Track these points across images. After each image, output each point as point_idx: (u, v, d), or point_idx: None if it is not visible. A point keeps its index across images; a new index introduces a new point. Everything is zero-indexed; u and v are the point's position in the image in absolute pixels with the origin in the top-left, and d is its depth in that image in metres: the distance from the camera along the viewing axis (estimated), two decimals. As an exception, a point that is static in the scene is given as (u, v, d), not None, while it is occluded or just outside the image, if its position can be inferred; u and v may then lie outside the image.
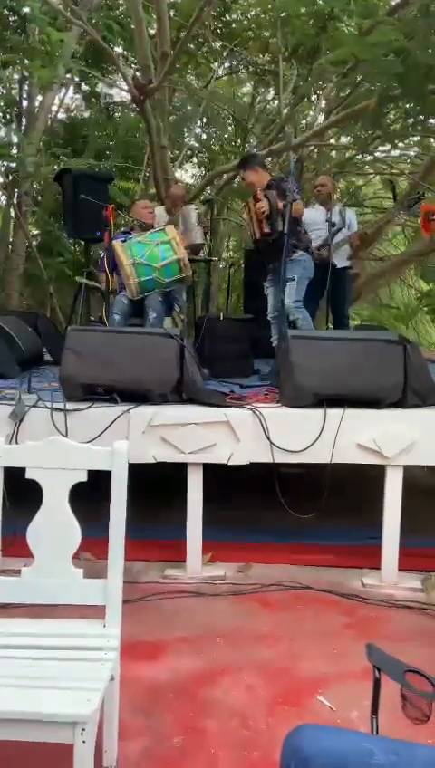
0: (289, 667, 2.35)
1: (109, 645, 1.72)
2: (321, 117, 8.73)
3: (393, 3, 6.27)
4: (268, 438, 3.00)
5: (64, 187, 5.31)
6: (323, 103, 8.73)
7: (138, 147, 9.31)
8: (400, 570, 3.04)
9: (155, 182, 7.56)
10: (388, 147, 9.20)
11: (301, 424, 3.03)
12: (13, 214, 9.03)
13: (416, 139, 8.62)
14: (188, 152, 9.83)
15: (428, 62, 5.26)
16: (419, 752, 1.10)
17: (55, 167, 7.45)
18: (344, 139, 9.14)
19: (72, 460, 1.81)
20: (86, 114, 10.13)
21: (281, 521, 3.30)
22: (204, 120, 9.21)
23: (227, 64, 8.89)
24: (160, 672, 2.30)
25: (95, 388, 3.18)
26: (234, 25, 8.18)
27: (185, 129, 9.33)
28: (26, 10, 6.64)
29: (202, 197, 8.15)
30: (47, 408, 3.01)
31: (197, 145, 10.11)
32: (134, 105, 7.06)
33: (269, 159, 7.74)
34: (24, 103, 8.76)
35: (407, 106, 7.02)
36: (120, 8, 8.37)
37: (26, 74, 7.98)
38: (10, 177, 8.31)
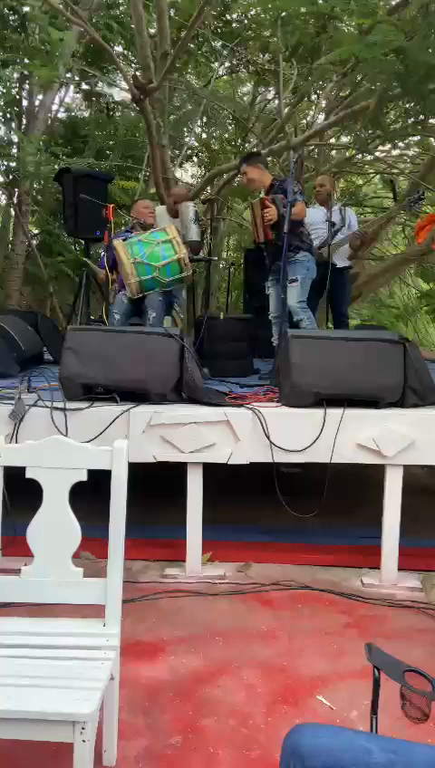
0: (289, 667, 2.36)
1: (108, 644, 1.73)
2: (321, 116, 8.73)
3: (393, 2, 6.27)
4: (268, 438, 3.00)
5: (64, 186, 5.31)
6: (323, 103, 8.73)
7: (138, 146, 9.31)
8: (399, 569, 3.04)
9: (155, 181, 7.56)
10: (388, 146, 9.20)
11: (301, 423, 3.03)
12: (13, 213, 9.04)
13: (416, 138, 8.61)
14: (189, 151, 9.82)
15: (428, 61, 5.25)
16: (417, 751, 1.10)
17: (55, 166, 7.44)
18: (344, 139, 9.14)
19: (72, 460, 1.81)
20: (86, 113, 10.14)
21: (281, 520, 3.30)
22: (204, 119, 9.19)
23: (227, 64, 8.88)
24: (160, 671, 2.31)
25: (95, 388, 3.18)
26: (234, 25, 8.17)
27: (185, 129, 9.33)
28: (26, 9, 6.65)
29: (202, 197, 8.15)
30: (47, 407, 3.01)
31: (197, 144, 10.11)
32: (134, 104, 7.05)
33: (269, 159, 7.74)
34: (25, 102, 8.77)
35: (407, 105, 7.01)
36: (121, 7, 8.36)
37: (26, 73, 7.98)
38: (10, 177, 8.31)
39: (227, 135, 9.95)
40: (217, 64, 8.58)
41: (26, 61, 6.99)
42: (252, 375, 4.41)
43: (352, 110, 6.99)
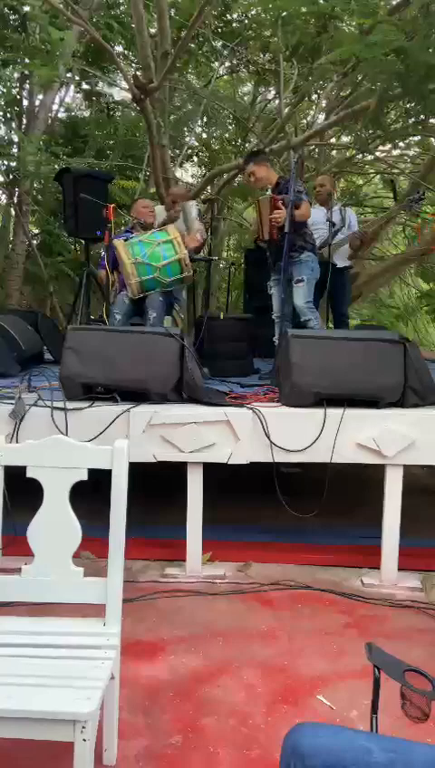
0: (289, 666, 2.36)
1: (109, 644, 1.73)
2: (321, 116, 8.73)
3: (394, 2, 6.27)
4: (268, 438, 3.00)
5: (65, 186, 5.30)
6: (323, 103, 8.73)
7: (138, 146, 9.31)
8: (399, 569, 3.04)
9: (155, 181, 7.56)
10: (388, 146, 9.20)
11: (301, 423, 3.03)
12: (13, 213, 9.04)
13: (416, 138, 8.62)
14: (189, 151, 9.82)
15: (428, 61, 5.25)
16: (417, 750, 1.10)
17: (56, 166, 7.44)
18: (345, 139, 9.14)
19: (72, 459, 1.81)
20: (86, 113, 10.14)
21: (281, 520, 3.31)
22: (204, 119, 9.19)
23: (227, 63, 8.88)
24: (160, 671, 2.31)
25: (95, 388, 3.19)
26: (235, 24, 8.17)
27: (185, 129, 9.33)
28: (27, 9, 6.65)
29: (202, 197, 8.15)
30: (47, 407, 3.01)
31: (197, 144, 10.11)
32: (134, 104, 7.05)
33: (270, 159, 7.73)
34: (25, 102, 8.77)
35: (407, 105, 7.01)
36: (121, 7, 8.36)
37: (27, 73, 7.98)
38: (10, 177, 8.31)
39: (227, 135, 9.96)
40: (217, 64, 8.58)
41: (27, 60, 6.99)
42: (252, 375, 4.41)
43: (352, 109, 6.99)
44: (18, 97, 8.54)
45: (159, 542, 3.31)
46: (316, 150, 9.47)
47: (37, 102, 8.72)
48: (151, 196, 8.14)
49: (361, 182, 10.98)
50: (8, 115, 8.24)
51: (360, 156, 9.49)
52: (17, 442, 2.86)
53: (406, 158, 9.46)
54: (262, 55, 8.50)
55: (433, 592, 2.96)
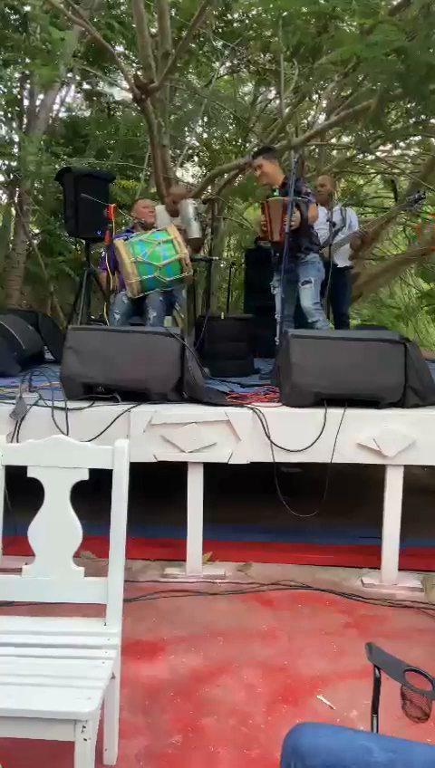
0: (289, 666, 2.36)
1: (109, 643, 1.73)
2: (322, 116, 8.73)
3: (395, 2, 6.27)
4: (269, 438, 3.01)
5: (65, 186, 5.30)
6: (324, 103, 8.73)
7: (139, 146, 9.31)
8: (399, 569, 3.04)
9: (156, 181, 7.56)
10: (389, 146, 9.20)
11: (301, 423, 3.03)
12: (14, 213, 9.04)
13: (417, 138, 8.62)
14: (189, 151, 9.82)
15: (429, 61, 5.25)
16: (418, 750, 1.10)
17: (56, 166, 7.44)
18: (345, 139, 9.14)
19: (73, 459, 1.82)
20: (87, 113, 10.14)
21: (281, 520, 3.31)
22: (205, 119, 9.20)
23: (228, 63, 8.88)
24: (160, 671, 2.31)
25: (96, 387, 3.19)
26: (235, 24, 8.17)
27: (186, 129, 9.33)
28: (28, 8, 6.65)
29: (203, 197, 8.15)
30: (48, 406, 3.02)
31: (198, 144, 10.11)
32: (135, 104, 7.05)
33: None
34: (26, 102, 8.77)
35: (408, 106, 7.01)
36: (122, 7, 8.36)
37: (28, 73, 7.98)
38: (11, 176, 8.31)
39: (227, 135, 9.96)
40: (218, 64, 8.58)
41: (27, 60, 6.99)
42: (252, 375, 4.41)
43: (353, 110, 6.99)
44: (19, 97, 8.54)
45: (160, 541, 3.31)
46: (317, 150, 9.47)
47: (38, 102, 8.72)
48: (152, 195, 8.14)
49: (361, 182, 10.98)
50: (9, 115, 8.24)
51: (360, 156, 9.49)
52: (18, 442, 2.86)
53: (406, 158, 9.46)
54: (262, 55, 8.50)
55: (433, 592, 2.96)
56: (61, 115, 9.76)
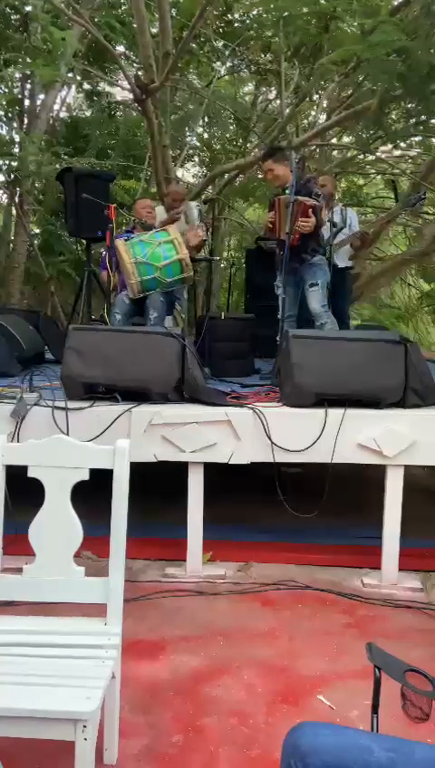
0: (289, 666, 2.36)
1: (110, 643, 1.73)
2: (323, 117, 8.73)
3: (396, 2, 6.27)
4: (269, 438, 3.01)
5: (66, 186, 5.31)
6: (324, 103, 8.73)
7: (139, 146, 9.31)
8: (399, 569, 3.04)
9: (156, 181, 7.56)
10: (389, 147, 9.19)
11: (302, 423, 3.04)
12: (14, 212, 9.03)
13: (418, 138, 8.61)
14: (190, 151, 9.83)
15: (430, 61, 5.26)
16: (417, 750, 1.10)
17: (57, 165, 7.43)
18: (346, 139, 9.14)
19: (73, 459, 1.82)
20: (88, 113, 10.13)
21: (281, 520, 3.31)
22: (205, 119, 9.20)
23: (228, 64, 8.89)
24: (161, 670, 2.31)
25: (96, 387, 3.19)
26: (236, 25, 8.17)
27: (186, 129, 9.32)
28: (28, 8, 6.65)
29: (203, 197, 8.16)
30: (49, 406, 3.02)
31: (198, 144, 10.11)
32: (136, 104, 7.05)
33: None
34: (26, 102, 8.77)
35: (409, 106, 7.01)
36: (123, 7, 8.36)
37: (28, 73, 7.98)
38: (12, 176, 8.31)
39: (228, 135, 9.95)
40: (218, 64, 8.58)
41: (28, 60, 6.98)
42: (253, 375, 4.41)
43: (353, 110, 6.99)
44: (20, 97, 8.54)
45: (160, 541, 3.31)
46: (317, 151, 9.47)
47: (38, 102, 8.72)
48: (152, 195, 8.14)
49: (362, 182, 10.97)
50: (10, 115, 8.24)
51: (361, 156, 9.49)
52: (18, 441, 2.86)
53: (407, 158, 9.45)
54: (263, 55, 8.50)
55: (433, 592, 2.96)
56: (61, 115, 9.76)
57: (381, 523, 3.05)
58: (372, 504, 3.29)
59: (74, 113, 10.20)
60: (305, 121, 9.50)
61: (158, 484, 3.61)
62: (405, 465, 3.07)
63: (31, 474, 1.82)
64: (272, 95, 9.78)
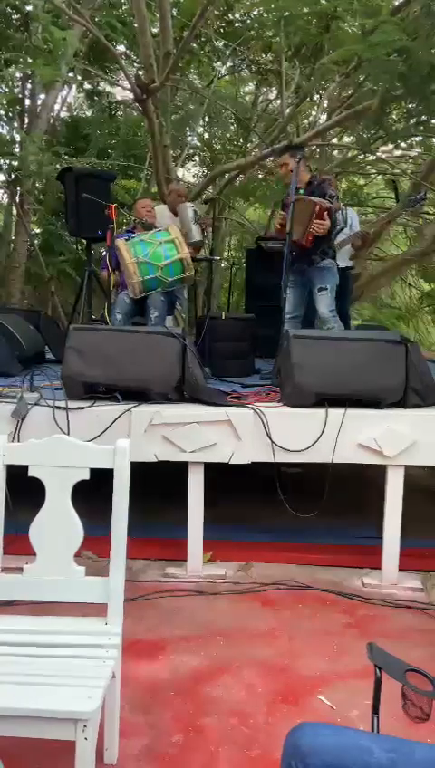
0: (289, 666, 2.36)
1: (110, 643, 1.73)
2: (323, 116, 8.73)
3: (396, 2, 6.26)
4: (269, 438, 3.01)
5: (66, 185, 5.31)
6: (325, 103, 8.73)
7: (140, 145, 9.31)
8: (400, 569, 3.04)
9: (157, 181, 7.56)
10: (390, 147, 9.19)
11: (302, 423, 3.04)
12: (15, 212, 9.03)
13: (418, 138, 8.61)
14: (190, 151, 9.82)
15: (430, 61, 5.25)
16: (417, 750, 1.10)
17: (57, 165, 7.43)
18: (347, 139, 9.13)
19: (74, 458, 1.82)
20: (88, 113, 10.13)
21: (281, 520, 3.31)
22: (206, 119, 9.20)
23: (229, 64, 8.88)
24: (161, 670, 2.31)
25: (97, 387, 3.19)
26: (237, 25, 8.17)
27: (187, 129, 9.32)
28: (29, 8, 6.65)
29: (204, 197, 8.15)
30: (49, 406, 3.02)
31: (199, 144, 10.11)
32: (136, 104, 7.05)
33: (271, 159, 7.75)
34: (27, 102, 8.77)
35: (409, 106, 7.01)
36: (123, 7, 8.36)
37: (29, 73, 7.98)
38: (12, 176, 8.31)
39: (229, 135, 9.95)
40: (219, 64, 8.58)
41: (29, 60, 6.98)
42: (253, 375, 4.41)
43: (354, 110, 6.98)
44: (20, 96, 8.54)
45: (160, 541, 3.31)
46: (318, 151, 9.46)
47: (39, 102, 8.72)
48: (153, 195, 8.14)
49: (362, 182, 10.97)
50: (10, 114, 8.23)
51: (362, 156, 9.49)
52: (19, 441, 2.86)
53: (408, 158, 9.45)
54: (264, 55, 8.50)
55: (434, 593, 2.96)
56: (62, 115, 9.76)
57: (382, 522, 3.05)
58: (371, 503, 3.29)
59: (75, 113, 10.20)
60: (306, 121, 9.49)
61: (158, 484, 3.61)
62: (405, 465, 3.07)
63: (31, 473, 1.82)
64: (272, 95, 9.78)
